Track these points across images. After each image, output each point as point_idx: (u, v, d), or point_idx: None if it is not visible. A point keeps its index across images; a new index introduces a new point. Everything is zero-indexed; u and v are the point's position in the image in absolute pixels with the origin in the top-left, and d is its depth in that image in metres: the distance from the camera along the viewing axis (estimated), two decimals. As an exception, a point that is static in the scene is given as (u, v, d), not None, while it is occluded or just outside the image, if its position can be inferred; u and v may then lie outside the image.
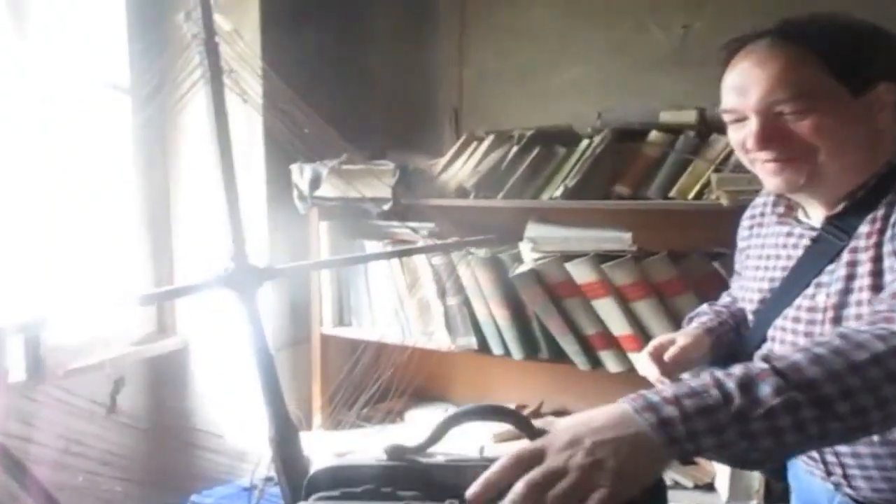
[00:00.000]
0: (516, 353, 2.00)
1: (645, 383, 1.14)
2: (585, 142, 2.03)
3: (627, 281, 1.82)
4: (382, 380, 2.49)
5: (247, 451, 2.15)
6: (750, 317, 1.22)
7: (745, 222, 1.29)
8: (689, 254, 1.84)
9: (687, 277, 1.80)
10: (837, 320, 1.02)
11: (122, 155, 2.20)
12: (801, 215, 1.14)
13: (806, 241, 1.10)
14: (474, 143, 2.17)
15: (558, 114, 2.17)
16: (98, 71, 2.12)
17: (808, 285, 1.08)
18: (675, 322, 1.79)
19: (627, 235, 1.88)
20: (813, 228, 1.10)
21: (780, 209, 1.17)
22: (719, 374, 0.72)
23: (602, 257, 1.85)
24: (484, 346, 2.06)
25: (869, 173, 1.03)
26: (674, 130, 1.93)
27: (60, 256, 1.97)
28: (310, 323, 2.30)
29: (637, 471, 0.67)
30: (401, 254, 1.95)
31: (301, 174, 2.13)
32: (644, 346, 1.87)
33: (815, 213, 1.11)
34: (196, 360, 2.31)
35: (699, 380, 0.72)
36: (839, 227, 1.04)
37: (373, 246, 2.22)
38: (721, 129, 1.92)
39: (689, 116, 1.96)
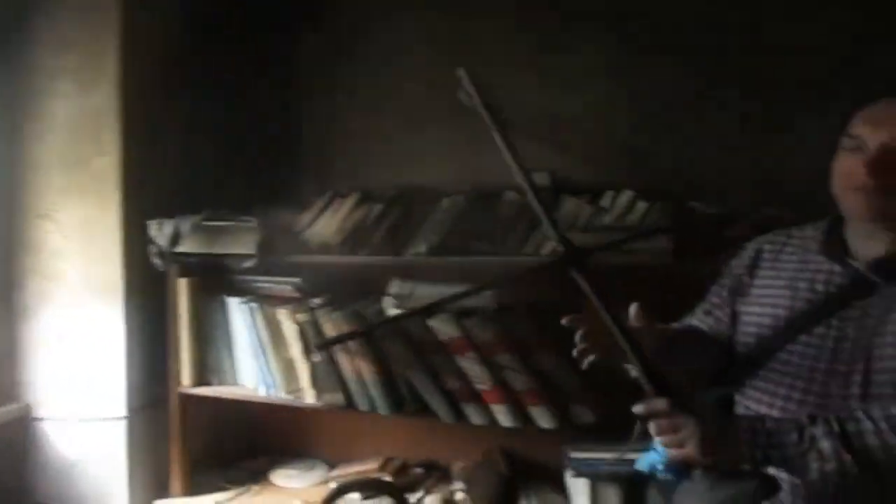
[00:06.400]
0: (382, 408, 2.01)
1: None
2: (446, 201, 2.11)
3: (489, 336, 1.89)
4: (246, 439, 2.43)
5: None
6: (748, 339, 1.31)
7: (747, 254, 1.38)
8: (548, 308, 1.93)
9: (545, 331, 1.89)
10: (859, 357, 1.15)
11: None
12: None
13: (841, 278, 1.22)
14: (338, 201, 2.20)
15: (420, 174, 2.24)
16: None
17: (833, 316, 1.19)
18: (537, 375, 1.88)
19: (488, 292, 1.94)
20: (854, 264, 1.21)
21: (812, 244, 1.28)
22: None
23: (464, 313, 1.91)
24: (350, 403, 2.06)
25: None
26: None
27: None
28: (167, 382, 2.21)
29: None
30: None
31: (160, 230, 2.07)
32: (505, 399, 1.94)
33: (871, 248, 1.20)
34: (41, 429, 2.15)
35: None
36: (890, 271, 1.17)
37: (235, 302, 2.18)
38: (569, 190, 2.07)
39: (543, 179, 2.09)
